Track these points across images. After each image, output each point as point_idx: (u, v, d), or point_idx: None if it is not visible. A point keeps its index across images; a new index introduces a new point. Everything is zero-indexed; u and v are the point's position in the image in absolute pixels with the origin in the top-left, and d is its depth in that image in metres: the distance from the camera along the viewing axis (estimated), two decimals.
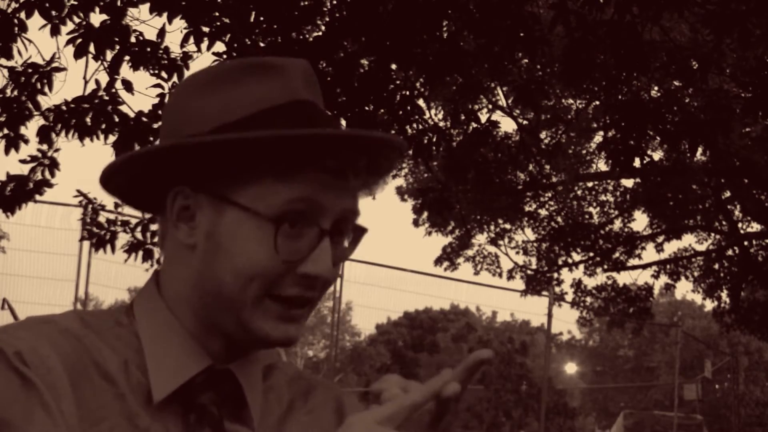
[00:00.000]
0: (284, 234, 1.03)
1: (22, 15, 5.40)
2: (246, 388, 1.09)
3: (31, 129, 5.83)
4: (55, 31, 5.48)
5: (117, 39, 5.37)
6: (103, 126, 5.65)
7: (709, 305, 18.04)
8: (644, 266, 17.53)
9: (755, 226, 16.76)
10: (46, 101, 5.72)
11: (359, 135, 1.06)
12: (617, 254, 17.28)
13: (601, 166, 16.37)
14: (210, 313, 1.07)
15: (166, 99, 5.59)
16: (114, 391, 1.03)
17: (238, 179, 1.04)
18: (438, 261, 17.96)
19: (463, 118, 6.29)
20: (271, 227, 1.02)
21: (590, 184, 17.40)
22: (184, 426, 1.05)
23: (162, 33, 5.53)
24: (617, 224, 17.43)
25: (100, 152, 6.41)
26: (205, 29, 5.41)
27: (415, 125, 6.15)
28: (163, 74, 5.59)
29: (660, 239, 17.61)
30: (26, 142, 5.85)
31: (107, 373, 1.04)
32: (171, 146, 1.06)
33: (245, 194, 1.04)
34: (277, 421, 1.13)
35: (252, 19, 5.51)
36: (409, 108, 6.05)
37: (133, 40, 5.46)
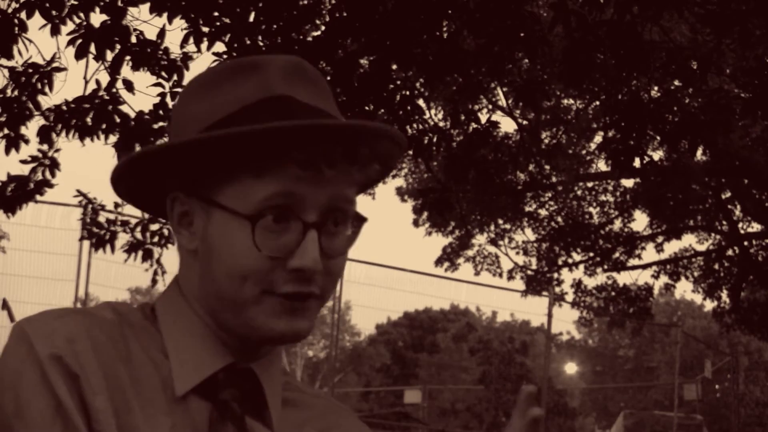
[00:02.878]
0: (266, 230, 1.03)
1: (23, 15, 5.40)
2: (266, 388, 1.10)
3: (31, 129, 5.84)
4: (55, 31, 5.48)
5: (117, 39, 5.37)
6: (104, 126, 5.65)
7: (709, 305, 18.07)
8: (644, 266, 17.54)
9: (755, 226, 16.77)
10: (46, 101, 5.73)
11: (313, 125, 1.03)
12: (617, 254, 17.29)
13: (601, 166, 16.38)
14: (218, 314, 1.08)
15: (167, 99, 5.61)
16: (144, 383, 1.05)
17: (220, 180, 1.05)
18: (438, 261, 17.96)
19: (463, 118, 6.29)
20: (248, 225, 1.03)
21: (590, 184, 17.40)
22: (208, 420, 1.06)
23: (162, 33, 5.53)
24: (617, 224, 17.45)
25: (100, 152, 6.41)
26: (205, 29, 5.41)
27: (415, 125, 6.15)
28: (164, 74, 5.60)
29: (660, 239, 17.62)
30: (26, 142, 5.86)
31: (138, 365, 1.06)
32: (142, 153, 1.08)
33: (226, 195, 1.04)
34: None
35: (252, 19, 5.51)
36: (409, 108, 6.05)
37: (133, 39, 5.46)
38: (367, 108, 5.75)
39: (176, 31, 5.50)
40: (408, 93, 6.14)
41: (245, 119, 1.05)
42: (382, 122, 1.10)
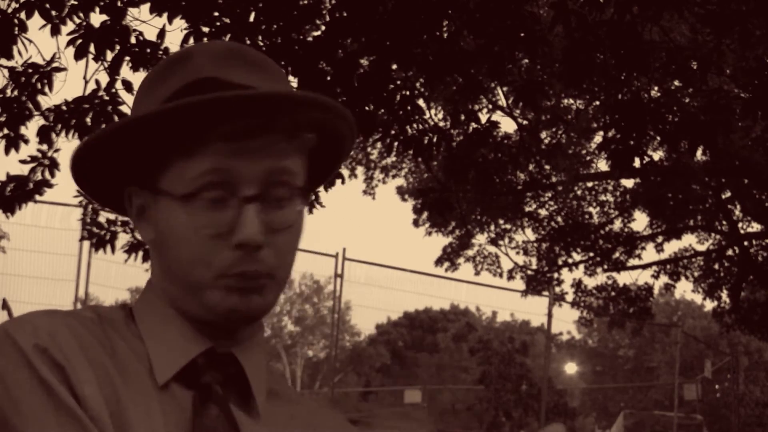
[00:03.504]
0: (203, 209, 1.03)
1: (22, 15, 5.40)
2: (248, 372, 1.10)
3: (31, 129, 5.84)
4: (55, 31, 5.48)
5: (117, 39, 5.37)
6: (103, 126, 5.65)
7: (709, 305, 18.07)
8: (644, 266, 17.55)
9: (755, 226, 16.77)
10: (46, 101, 5.73)
11: (222, 97, 1.03)
12: (617, 254, 17.29)
13: (601, 166, 16.38)
14: (179, 301, 1.08)
15: None
16: (131, 374, 1.05)
17: (159, 167, 1.06)
18: (438, 261, 17.97)
19: (463, 118, 6.29)
20: (184, 205, 1.03)
21: (590, 184, 17.41)
22: (192, 407, 1.06)
23: (162, 33, 5.53)
24: (617, 224, 17.45)
25: None
26: (205, 29, 5.41)
27: (415, 125, 6.15)
28: None
29: (660, 239, 17.62)
30: (26, 142, 5.86)
31: (123, 358, 1.06)
32: (82, 146, 1.08)
33: (165, 180, 1.05)
34: (282, 425, 1.13)
35: (252, 19, 5.51)
36: (409, 108, 6.05)
37: (133, 40, 5.46)
38: (367, 108, 5.75)
39: (176, 31, 5.50)
40: (408, 93, 6.14)
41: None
42: (320, 94, 1.08)
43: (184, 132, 1.03)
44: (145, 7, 5.35)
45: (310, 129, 1.08)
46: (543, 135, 14.78)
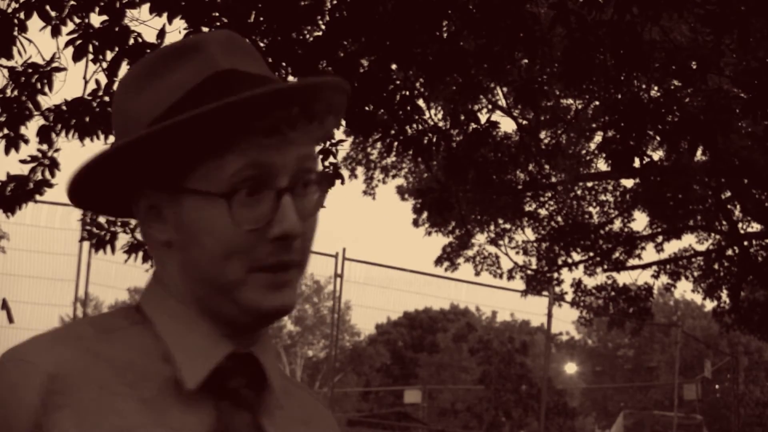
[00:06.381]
0: (241, 205, 1.03)
1: (22, 15, 5.40)
2: (269, 373, 1.09)
3: (31, 129, 5.84)
4: (55, 32, 5.48)
5: (116, 41, 5.37)
6: (103, 126, 5.66)
7: (709, 305, 18.07)
8: (644, 266, 17.54)
9: (755, 226, 16.77)
10: (46, 101, 5.73)
11: (268, 91, 1.02)
12: (617, 254, 17.29)
13: (601, 166, 16.38)
14: (205, 301, 1.07)
15: None
16: (140, 396, 1.03)
17: (184, 167, 1.04)
18: (438, 261, 17.97)
19: (463, 118, 6.29)
20: (224, 203, 1.02)
21: (590, 184, 17.41)
22: (217, 414, 1.05)
23: (162, 34, 5.53)
24: (617, 224, 17.45)
25: None
26: (205, 29, 5.41)
27: (415, 125, 6.15)
28: None
29: (660, 239, 17.62)
30: (26, 142, 5.86)
31: (130, 377, 1.04)
32: (102, 154, 1.06)
33: (194, 178, 1.04)
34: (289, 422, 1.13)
35: (252, 19, 5.51)
36: (409, 108, 6.05)
37: (131, 42, 5.46)
38: (367, 108, 5.75)
39: (176, 31, 5.51)
40: (408, 93, 6.14)
41: (194, 101, 1.04)
42: (328, 76, 1.09)
43: (219, 130, 1.02)
44: (145, 8, 5.35)
45: (332, 111, 1.09)
46: (543, 135, 14.77)
